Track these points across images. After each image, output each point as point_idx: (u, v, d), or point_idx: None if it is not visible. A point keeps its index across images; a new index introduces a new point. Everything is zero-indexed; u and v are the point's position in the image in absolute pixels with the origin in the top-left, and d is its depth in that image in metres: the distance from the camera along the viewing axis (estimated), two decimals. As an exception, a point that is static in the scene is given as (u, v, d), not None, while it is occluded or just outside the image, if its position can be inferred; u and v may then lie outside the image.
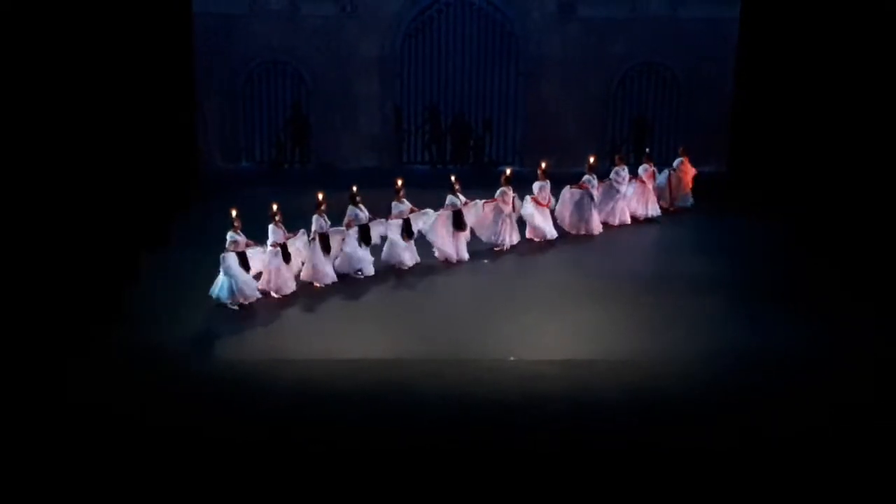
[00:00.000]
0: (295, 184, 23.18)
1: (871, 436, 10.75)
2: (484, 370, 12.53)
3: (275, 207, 15.30)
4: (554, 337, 13.57)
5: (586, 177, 18.96)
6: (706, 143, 24.09)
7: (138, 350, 12.89)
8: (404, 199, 16.71)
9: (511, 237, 17.71)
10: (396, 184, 16.92)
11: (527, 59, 24.61)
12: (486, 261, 16.98)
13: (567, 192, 18.68)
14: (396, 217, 16.48)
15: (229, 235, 14.74)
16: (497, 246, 17.46)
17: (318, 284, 15.43)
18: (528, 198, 17.95)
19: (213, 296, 14.54)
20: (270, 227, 15.17)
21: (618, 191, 19.34)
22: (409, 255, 16.42)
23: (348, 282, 15.65)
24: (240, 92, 24.47)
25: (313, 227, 15.54)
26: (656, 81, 24.72)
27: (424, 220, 16.70)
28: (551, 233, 18.14)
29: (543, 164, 18.75)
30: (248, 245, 14.85)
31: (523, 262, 17.07)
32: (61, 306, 13.16)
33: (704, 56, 24.03)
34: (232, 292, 14.47)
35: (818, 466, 10.16)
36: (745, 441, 10.65)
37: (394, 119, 24.84)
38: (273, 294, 14.96)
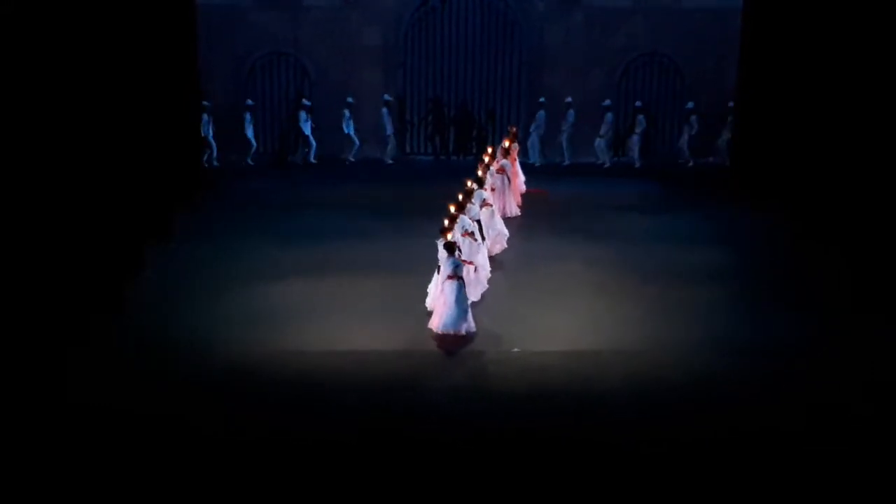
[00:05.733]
0: (298, 175, 23.30)
1: (870, 428, 10.77)
2: (488, 362, 12.56)
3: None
4: (558, 328, 13.57)
5: (504, 161, 19.22)
6: (708, 135, 24.19)
7: (140, 342, 12.88)
8: (475, 201, 15.99)
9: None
10: (466, 184, 16.25)
11: (530, 50, 24.64)
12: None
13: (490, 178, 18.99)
14: (472, 220, 15.54)
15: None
16: None
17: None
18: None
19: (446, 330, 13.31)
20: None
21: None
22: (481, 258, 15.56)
23: (353, 274, 15.62)
24: (243, 84, 24.52)
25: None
26: (659, 72, 24.74)
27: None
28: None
29: (490, 150, 19.29)
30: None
31: (524, 253, 17.06)
32: (64, 298, 13.16)
33: (707, 47, 24.07)
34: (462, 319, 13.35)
35: (819, 459, 10.17)
36: (748, 432, 10.67)
37: (397, 110, 24.86)
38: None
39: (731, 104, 23.60)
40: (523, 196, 20.09)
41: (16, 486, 9.52)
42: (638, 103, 24.16)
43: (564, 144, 24.33)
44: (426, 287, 14.67)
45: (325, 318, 13.81)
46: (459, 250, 13.63)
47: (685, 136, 24.30)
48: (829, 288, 15.04)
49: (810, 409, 11.18)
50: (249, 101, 24.12)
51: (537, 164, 23.79)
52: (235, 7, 23.86)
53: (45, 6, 13.08)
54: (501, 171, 19.03)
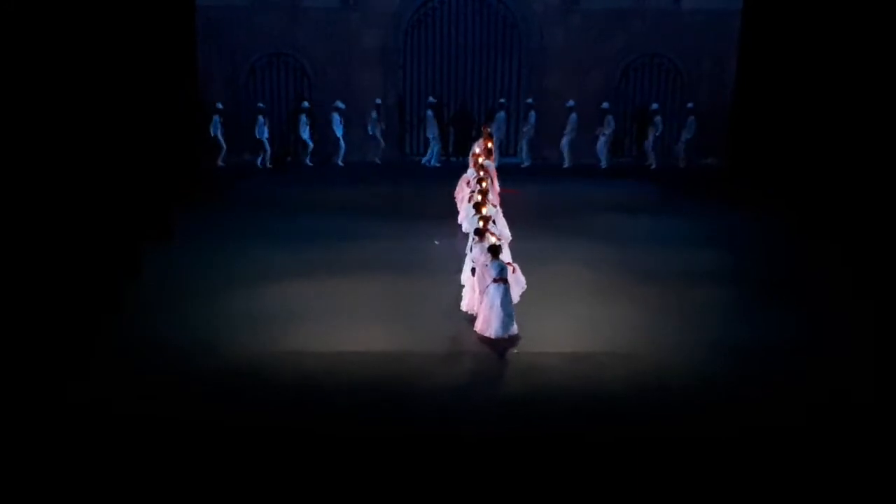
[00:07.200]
0: (297, 177, 23.31)
1: (868, 426, 10.80)
2: (488, 363, 12.57)
3: None
4: (557, 329, 13.57)
5: (486, 162, 19.30)
6: (707, 136, 24.22)
7: (140, 342, 12.89)
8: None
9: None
10: (480, 184, 16.51)
11: (529, 51, 24.66)
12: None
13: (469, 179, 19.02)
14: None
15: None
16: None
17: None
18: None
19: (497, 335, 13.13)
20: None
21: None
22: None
23: (353, 275, 15.64)
24: (242, 85, 24.53)
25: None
26: (658, 74, 24.78)
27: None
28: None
29: (477, 150, 19.44)
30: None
31: (517, 253, 17.05)
32: (63, 299, 13.17)
33: (707, 48, 24.13)
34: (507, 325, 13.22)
35: (817, 458, 10.20)
36: (746, 432, 10.68)
37: (396, 111, 24.88)
38: None
39: (690, 105, 24.12)
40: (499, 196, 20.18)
41: (16, 486, 9.53)
42: (605, 105, 24.24)
43: (524, 147, 24.40)
44: (426, 289, 14.71)
45: (324, 319, 13.80)
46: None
47: (650, 138, 24.45)
48: (826, 286, 15.07)
49: (809, 408, 11.20)
50: (305, 104, 24.28)
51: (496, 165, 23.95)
52: (235, 8, 23.87)
53: (45, 6, 13.09)
54: (486, 172, 19.06)
